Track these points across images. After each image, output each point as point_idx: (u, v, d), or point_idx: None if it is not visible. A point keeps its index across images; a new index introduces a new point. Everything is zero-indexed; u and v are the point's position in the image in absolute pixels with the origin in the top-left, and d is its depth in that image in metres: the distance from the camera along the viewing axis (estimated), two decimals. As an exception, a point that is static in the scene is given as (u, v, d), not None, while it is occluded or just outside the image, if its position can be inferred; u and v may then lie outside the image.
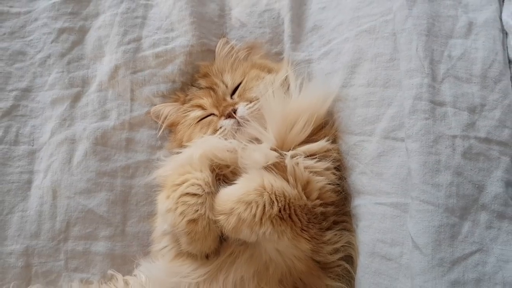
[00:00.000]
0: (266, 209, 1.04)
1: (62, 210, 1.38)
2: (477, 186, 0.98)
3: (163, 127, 1.46)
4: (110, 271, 1.37)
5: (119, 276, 1.34)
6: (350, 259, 1.18)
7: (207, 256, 1.17)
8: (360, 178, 1.17)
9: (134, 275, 1.32)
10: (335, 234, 1.15)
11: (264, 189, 1.06)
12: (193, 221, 1.08)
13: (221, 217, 1.07)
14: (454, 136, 1.02)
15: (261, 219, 1.03)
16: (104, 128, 1.45)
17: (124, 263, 1.39)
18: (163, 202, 1.14)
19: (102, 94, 1.48)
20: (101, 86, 1.49)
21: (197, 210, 1.07)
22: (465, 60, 1.09)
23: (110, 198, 1.41)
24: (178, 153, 1.27)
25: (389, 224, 1.08)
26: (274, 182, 1.08)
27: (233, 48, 1.48)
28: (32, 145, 1.45)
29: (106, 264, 1.38)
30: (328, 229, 1.15)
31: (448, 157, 1.00)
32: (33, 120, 1.47)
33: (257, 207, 1.04)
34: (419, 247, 0.96)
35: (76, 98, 1.49)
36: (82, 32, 1.55)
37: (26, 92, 1.49)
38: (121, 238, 1.40)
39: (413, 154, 1.02)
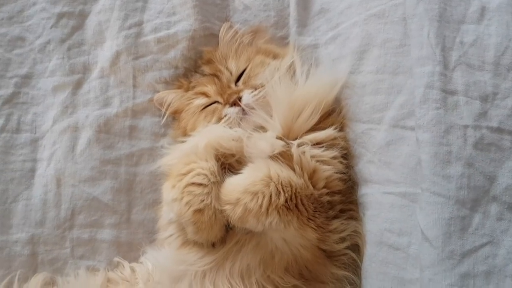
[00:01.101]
0: (273, 199, 1.03)
1: (66, 198, 1.37)
2: (488, 177, 0.96)
3: (166, 115, 1.44)
4: (116, 259, 1.37)
5: (126, 264, 1.34)
6: (356, 248, 1.18)
7: (213, 245, 1.17)
8: (367, 167, 1.15)
9: (141, 263, 1.32)
10: (342, 223, 1.14)
11: (271, 179, 1.05)
12: (199, 211, 1.07)
13: (227, 207, 1.06)
14: (466, 126, 0.99)
15: (267, 209, 1.03)
16: (107, 116, 1.43)
17: (130, 250, 1.39)
18: (169, 191, 1.12)
19: (104, 81, 1.46)
20: (102, 72, 1.46)
21: (203, 200, 1.07)
22: (478, 46, 1.05)
23: (115, 186, 1.40)
24: (182, 141, 1.26)
25: (397, 213, 1.07)
26: (281, 171, 1.07)
27: (237, 32, 1.44)
28: (35, 133, 1.43)
29: (112, 251, 1.38)
30: (335, 217, 1.14)
31: (460, 148, 0.97)
32: (35, 108, 1.46)
33: (264, 197, 1.03)
34: (429, 240, 0.95)
35: (78, 85, 1.47)
36: (82, 16, 1.52)
37: (27, 79, 1.47)
38: (126, 225, 1.40)
39: (423, 145, 1.00)
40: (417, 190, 1.03)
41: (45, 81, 1.47)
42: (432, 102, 1.02)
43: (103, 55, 1.47)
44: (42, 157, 1.41)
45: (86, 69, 1.48)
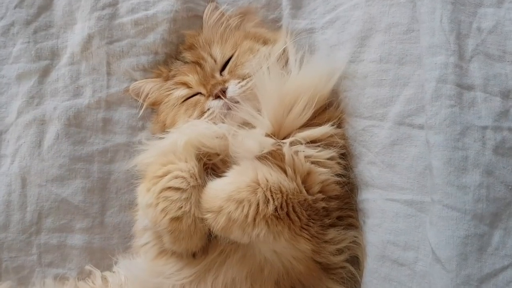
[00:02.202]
0: (260, 208, 0.97)
1: (32, 199, 1.31)
2: (510, 187, 0.89)
3: (144, 106, 1.37)
4: (87, 266, 1.31)
5: (97, 273, 1.29)
6: (355, 261, 1.13)
7: (193, 255, 1.11)
8: (369, 169, 1.09)
9: (114, 272, 1.27)
10: (339, 233, 1.08)
11: (258, 185, 0.98)
12: (176, 219, 1.01)
13: (208, 216, 1.00)
14: (485, 127, 0.91)
15: (254, 219, 0.97)
16: (77, 107, 1.35)
17: (104, 258, 1.33)
18: (143, 195, 1.06)
19: (75, 68, 1.38)
20: (73, 58, 1.39)
21: (181, 207, 1.01)
22: (498, 33, 0.97)
23: (87, 185, 1.33)
24: (160, 138, 1.18)
25: (403, 224, 1.01)
26: (270, 175, 1.00)
27: (223, 14, 1.36)
28: None
29: (83, 258, 1.32)
30: (331, 226, 1.08)
31: (477, 153, 0.90)
32: None
33: (250, 206, 0.96)
34: (441, 261, 0.88)
35: (45, 72, 1.39)
36: (50, -5, 1.44)
37: None
38: (99, 230, 1.34)
39: (435, 149, 0.93)
40: (425, 198, 0.98)
41: (8, 68, 1.40)
42: (445, 98, 0.94)
43: (74, 38, 1.40)
44: (6, 153, 1.35)
45: (54, 54, 1.40)
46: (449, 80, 0.94)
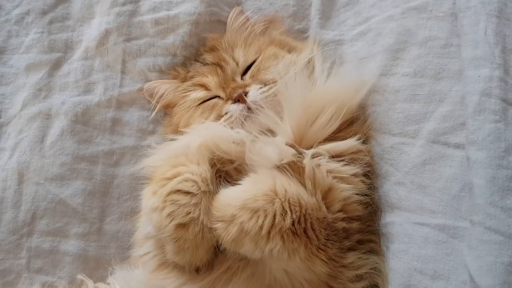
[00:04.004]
0: (277, 220, 0.92)
1: (28, 198, 1.26)
2: None
3: (157, 108, 1.33)
4: (79, 276, 1.25)
5: (90, 283, 1.24)
6: None
7: (197, 270, 1.06)
8: (396, 190, 1.04)
9: (108, 284, 1.22)
10: (359, 257, 1.02)
11: (276, 195, 0.94)
12: (182, 225, 0.96)
13: (219, 225, 0.95)
14: None
15: (269, 232, 0.91)
16: (86, 104, 1.32)
17: (98, 267, 1.27)
18: (149, 198, 1.02)
19: (88, 63, 1.35)
20: (87, 53, 1.36)
21: (189, 213, 0.96)
22: None
23: (87, 188, 1.29)
24: (172, 140, 1.15)
25: (432, 250, 0.95)
26: (289, 186, 0.96)
27: (248, 19, 1.34)
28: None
29: (76, 267, 1.27)
30: (351, 249, 1.01)
31: None
32: (3, 88, 1.36)
33: (266, 217, 0.91)
34: None
35: (56, 65, 1.36)
36: (70, -14, 1.44)
37: None
38: (96, 237, 1.29)
39: (477, 166, 0.88)
40: (459, 223, 0.93)
41: (18, 57, 1.37)
42: (489, 113, 0.90)
43: (90, 33, 1.37)
44: (5, 147, 1.31)
45: (68, 47, 1.38)
46: (494, 94, 0.90)
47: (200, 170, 1.00)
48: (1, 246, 1.24)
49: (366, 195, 1.05)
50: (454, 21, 1.05)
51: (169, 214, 0.96)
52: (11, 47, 1.38)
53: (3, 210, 1.25)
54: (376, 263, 1.04)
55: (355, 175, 1.03)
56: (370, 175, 1.08)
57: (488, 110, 0.90)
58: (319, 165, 1.00)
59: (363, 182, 1.04)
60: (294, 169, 1.01)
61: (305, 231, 0.94)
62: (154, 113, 1.33)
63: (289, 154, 1.02)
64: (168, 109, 1.33)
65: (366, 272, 1.02)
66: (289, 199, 0.93)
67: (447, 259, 0.92)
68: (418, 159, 1.01)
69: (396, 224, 1.02)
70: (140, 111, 1.35)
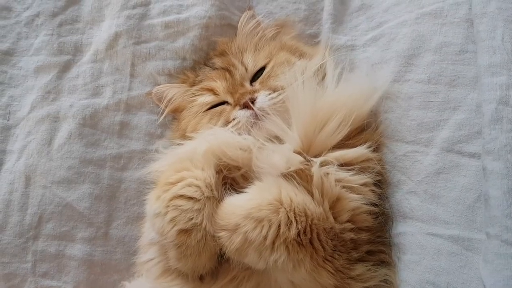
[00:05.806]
0: (282, 230, 0.90)
1: (35, 201, 1.25)
2: None
3: (165, 113, 1.31)
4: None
5: None
6: None
7: (201, 278, 1.05)
8: (408, 199, 1.03)
9: None
10: (368, 269, 0.99)
11: (281, 204, 0.92)
12: (185, 231, 0.95)
13: (222, 234, 0.93)
14: None
15: (273, 242, 0.90)
16: (95, 107, 1.31)
17: (104, 273, 1.26)
18: (152, 203, 1.00)
19: (97, 66, 1.34)
20: (96, 56, 1.35)
21: (192, 219, 0.94)
22: None
23: (94, 192, 1.27)
24: (179, 145, 1.13)
25: (445, 262, 0.93)
26: (295, 195, 0.94)
27: (259, 24, 1.32)
28: (8, 119, 1.33)
29: (82, 271, 1.25)
30: (359, 261, 0.99)
31: None
32: (12, 90, 1.35)
33: (270, 227, 0.90)
34: None
35: (65, 67, 1.35)
36: (80, -11, 1.44)
37: (7, 55, 1.38)
38: (102, 241, 1.27)
39: (494, 177, 0.86)
40: (474, 234, 0.91)
41: (27, 59, 1.37)
42: (507, 122, 0.88)
43: (100, 36, 1.37)
44: (13, 149, 1.31)
45: (77, 50, 1.37)
46: (511, 103, 0.87)
47: (204, 176, 0.98)
48: (6, 249, 1.23)
49: (376, 205, 1.02)
50: (470, 27, 1.03)
51: (171, 220, 0.95)
52: (20, 49, 1.37)
53: (10, 213, 1.24)
54: (387, 275, 1.01)
55: (365, 184, 1.01)
56: (380, 184, 1.06)
57: (505, 119, 0.88)
58: (327, 173, 0.98)
59: (373, 191, 1.02)
60: (302, 177, 0.99)
61: (311, 242, 0.92)
62: (162, 117, 1.32)
63: (296, 162, 1.00)
64: (176, 113, 1.32)
65: (375, 285, 1.00)
66: (294, 208, 0.92)
67: (460, 272, 0.91)
68: (431, 168, 1.00)
69: (408, 234, 1.01)
70: (149, 115, 1.34)
